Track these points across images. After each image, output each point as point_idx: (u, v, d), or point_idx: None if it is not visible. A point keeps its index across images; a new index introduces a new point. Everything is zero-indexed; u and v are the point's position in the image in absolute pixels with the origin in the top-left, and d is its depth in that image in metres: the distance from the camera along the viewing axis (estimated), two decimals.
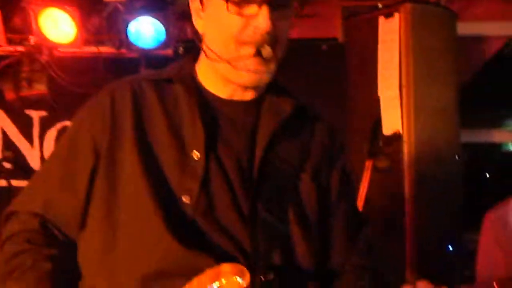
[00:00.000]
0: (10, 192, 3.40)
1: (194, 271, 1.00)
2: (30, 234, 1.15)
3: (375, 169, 3.18)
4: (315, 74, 3.58)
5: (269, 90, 1.24)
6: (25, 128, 3.84)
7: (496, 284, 0.78)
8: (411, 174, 2.96)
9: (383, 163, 3.08)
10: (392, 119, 3.02)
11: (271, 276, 0.97)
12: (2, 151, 3.88)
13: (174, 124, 1.16)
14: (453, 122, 3.11)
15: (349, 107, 3.32)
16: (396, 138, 3.04)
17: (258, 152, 1.14)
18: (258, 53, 1.14)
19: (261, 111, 1.21)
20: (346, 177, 1.26)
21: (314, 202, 1.15)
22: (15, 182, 3.53)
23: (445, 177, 2.99)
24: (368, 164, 3.23)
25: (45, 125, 3.79)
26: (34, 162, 3.89)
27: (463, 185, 3.09)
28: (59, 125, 3.72)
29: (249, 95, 1.23)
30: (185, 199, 1.08)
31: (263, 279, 0.96)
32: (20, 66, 3.31)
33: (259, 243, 1.05)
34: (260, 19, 1.10)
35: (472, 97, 3.45)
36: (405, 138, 3.00)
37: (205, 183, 1.10)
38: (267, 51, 1.13)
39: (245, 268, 0.95)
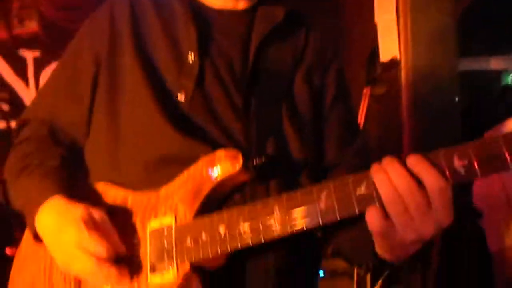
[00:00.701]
0: (9, 133, 3.43)
1: (191, 159, 1.04)
2: (40, 138, 1.22)
3: (372, 96, 3.19)
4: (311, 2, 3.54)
5: (262, 1, 1.24)
6: (19, 68, 3.84)
7: (503, 139, 0.76)
8: (408, 101, 2.97)
9: (380, 90, 3.09)
10: (390, 45, 3.01)
11: (263, 159, 1.00)
12: None
13: (169, 28, 1.20)
14: (451, 49, 3.10)
15: (345, 35, 3.30)
16: (394, 64, 3.03)
17: (251, 54, 1.16)
18: None
19: (254, 20, 1.22)
20: (341, 81, 1.27)
21: (307, 103, 1.17)
22: (13, 124, 3.57)
23: (442, 104, 3.01)
24: (366, 91, 3.24)
25: (40, 65, 3.77)
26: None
27: (461, 114, 3.11)
28: (53, 65, 3.70)
29: (241, 5, 1.23)
30: (180, 96, 1.13)
31: (255, 162, 0.99)
32: (10, 3, 3.28)
33: (252, 135, 1.09)
34: None
35: (471, 24, 3.42)
36: (402, 64, 2.99)
37: (199, 82, 1.13)
38: None
39: (239, 152, 0.99)
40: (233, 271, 1.04)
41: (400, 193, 0.82)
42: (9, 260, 1.27)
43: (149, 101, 1.11)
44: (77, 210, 1.03)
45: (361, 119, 3.05)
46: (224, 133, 1.09)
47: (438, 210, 0.82)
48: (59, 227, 1.04)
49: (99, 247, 0.99)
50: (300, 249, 1.11)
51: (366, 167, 0.88)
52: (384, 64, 3.04)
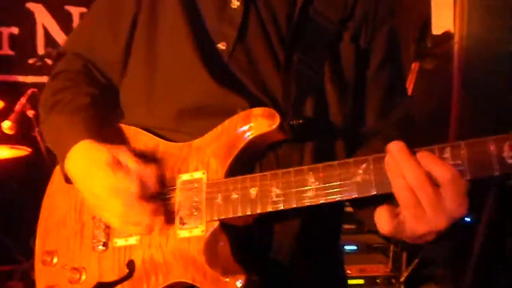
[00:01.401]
0: None
1: (227, 112, 1.01)
2: (74, 73, 1.20)
3: (421, 71, 3.09)
4: None
5: None
6: (65, 24, 3.90)
7: None
8: (460, 76, 2.86)
9: (430, 65, 2.98)
10: (444, 18, 2.89)
11: (300, 120, 0.96)
12: (44, 47, 3.97)
13: None
14: (507, 24, 2.95)
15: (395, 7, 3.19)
16: (447, 38, 2.92)
17: (297, 8, 1.10)
18: None
19: None
20: (392, 43, 1.20)
21: (352, 63, 1.11)
22: None
23: (494, 80, 2.89)
24: (415, 66, 3.13)
25: None
26: None
27: None
28: None
29: None
30: (222, 45, 1.08)
31: (292, 123, 0.95)
32: None
33: (291, 93, 1.04)
34: None
35: None
36: (456, 38, 2.87)
37: (242, 31, 1.09)
38: None
39: (276, 112, 0.96)
40: (260, 231, 1.01)
41: (412, 186, 0.82)
42: None
43: (188, 46, 1.08)
44: (103, 155, 1.01)
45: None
46: (262, 89, 1.05)
47: (449, 201, 0.81)
48: (88, 172, 1.03)
49: (129, 183, 0.97)
50: (326, 216, 1.09)
51: (407, 139, 0.86)
52: (436, 37, 2.93)
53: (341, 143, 1.09)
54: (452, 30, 2.87)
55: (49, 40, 4.03)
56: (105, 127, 1.10)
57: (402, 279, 3.42)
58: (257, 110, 0.97)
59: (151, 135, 1.09)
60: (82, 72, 1.20)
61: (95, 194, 1.02)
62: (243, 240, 1.00)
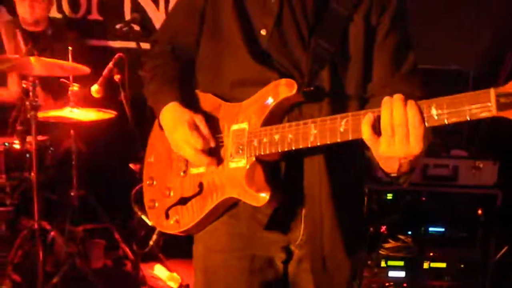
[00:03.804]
0: (139, 54, 4.02)
1: (263, 83, 1.70)
2: (165, 54, 2.00)
3: None
4: None
5: None
6: None
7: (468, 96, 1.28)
8: None
9: None
10: None
11: (311, 88, 1.66)
12: (130, 12, 4.80)
13: None
14: None
15: None
16: None
17: None
18: None
19: None
20: (399, 14, 1.79)
21: (362, 40, 1.75)
22: (143, 45, 4.13)
23: None
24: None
25: None
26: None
27: None
28: None
29: None
30: (263, 31, 1.77)
31: (306, 90, 1.67)
32: None
33: (312, 66, 1.72)
34: None
35: None
36: None
37: (278, 20, 1.75)
38: None
39: (294, 82, 1.66)
40: (292, 166, 1.75)
41: (394, 122, 1.41)
42: None
43: (236, 33, 1.79)
44: (185, 115, 1.80)
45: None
46: (292, 65, 1.75)
47: (412, 139, 1.40)
48: (173, 126, 1.83)
49: (197, 142, 1.75)
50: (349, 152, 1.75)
51: (412, 94, 1.45)
52: None
53: (354, 102, 1.77)
54: None
55: (135, 5, 4.89)
56: (186, 92, 1.89)
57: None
58: (282, 81, 1.69)
59: (215, 97, 1.87)
60: (171, 53, 2.00)
61: (176, 141, 1.82)
62: (278, 172, 1.74)
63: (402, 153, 1.44)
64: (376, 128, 1.46)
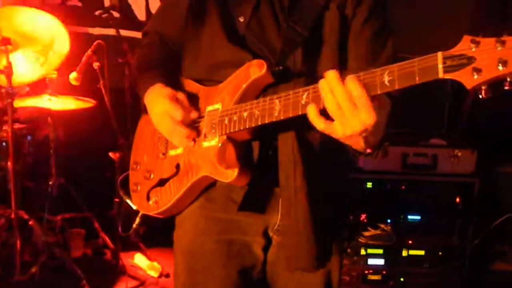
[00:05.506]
0: (119, 40, 4.13)
1: (238, 64, 1.80)
2: (154, 44, 2.14)
3: None
4: None
5: None
6: None
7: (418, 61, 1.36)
8: None
9: None
10: None
11: (280, 67, 1.75)
12: None
13: None
14: None
15: None
16: None
17: None
18: None
19: None
20: (378, 4, 1.87)
21: (337, 26, 1.84)
22: (123, 32, 4.26)
23: None
24: None
25: None
26: (140, 12, 4.84)
27: None
28: None
29: None
30: (241, 18, 1.87)
31: (275, 69, 1.74)
32: None
33: (284, 47, 1.82)
34: None
35: None
36: None
37: (256, 7, 1.86)
38: None
39: (264, 62, 1.75)
40: (267, 145, 1.82)
41: (338, 99, 1.47)
42: None
43: (216, 20, 1.89)
44: (168, 91, 1.89)
45: None
46: (267, 46, 1.85)
47: (361, 111, 1.46)
48: (155, 101, 1.91)
49: (177, 112, 1.83)
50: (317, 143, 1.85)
51: None
52: None
53: None
54: None
55: None
56: (171, 78, 1.97)
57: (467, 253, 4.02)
58: (254, 62, 1.78)
59: (196, 83, 1.96)
60: (159, 42, 2.12)
61: (157, 114, 1.90)
62: (249, 151, 1.82)
63: (358, 127, 1.49)
64: (326, 115, 1.53)
